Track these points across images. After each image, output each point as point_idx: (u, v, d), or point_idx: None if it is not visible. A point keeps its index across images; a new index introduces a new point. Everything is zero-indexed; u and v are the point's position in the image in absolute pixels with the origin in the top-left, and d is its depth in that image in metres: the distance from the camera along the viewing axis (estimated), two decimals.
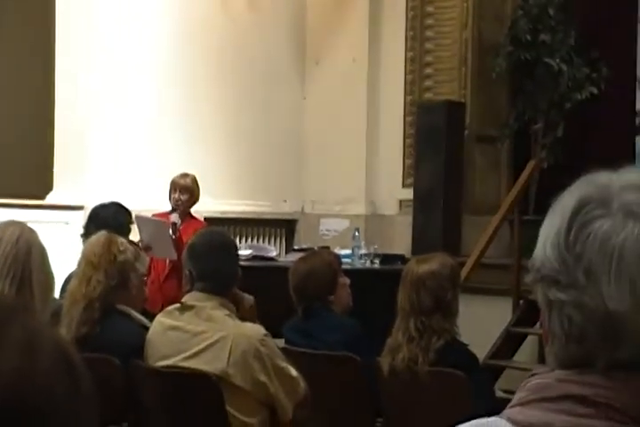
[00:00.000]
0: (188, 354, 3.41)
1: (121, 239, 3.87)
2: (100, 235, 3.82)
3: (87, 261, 3.67)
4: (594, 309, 1.13)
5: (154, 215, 6.23)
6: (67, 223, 6.65)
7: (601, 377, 1.13)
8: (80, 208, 6.59)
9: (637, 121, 7.23)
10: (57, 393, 0.96)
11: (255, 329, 3.37)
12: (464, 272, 5.92)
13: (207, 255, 3.47)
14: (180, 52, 7.61)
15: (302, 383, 3.44)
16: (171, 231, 5.98)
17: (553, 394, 1.15)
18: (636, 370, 1.14)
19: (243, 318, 3.46)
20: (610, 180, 1.17)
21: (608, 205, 1.14)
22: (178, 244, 5.87)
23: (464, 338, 3.93)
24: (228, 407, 3.31)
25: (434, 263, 3.73)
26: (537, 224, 1.20)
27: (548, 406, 1.15)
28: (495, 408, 1.21)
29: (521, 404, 1.17)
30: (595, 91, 7.27)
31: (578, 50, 7.36)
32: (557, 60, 7.31)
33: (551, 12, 7.37)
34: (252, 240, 7.58)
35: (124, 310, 3.73)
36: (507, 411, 1.18)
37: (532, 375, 1.20)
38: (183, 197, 6.18)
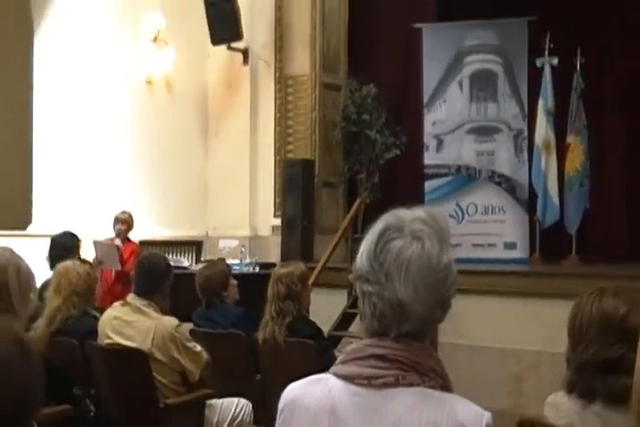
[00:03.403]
0: (124, 336, 3.37)
1: (92, 270, 3.79)
2: (80, 267, 3.65)
3: (71, 289, 3.53)
4: (390, 298, 1.15)
5: (106, 239, 6.18)
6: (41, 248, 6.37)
7: (393, 343, 1.16)
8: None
9: (425, 172, 7.48)
10: (13, 367, 0.93)
11: (171, 321, 3.37)
12: (315, 273, 5.96)
13: (140, 272, 3.49)
14: (128, 127, 7.40)
15: (205, 355, 3.45)
16: (116, 250, 5.96)
17: (363, 354, 1.17)
18: (415, 339, 1.17)
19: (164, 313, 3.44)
20: (405, 213, 1.20)
21: (402, 230, 1.17)
22: (121, 258, 5.87)
23: (316, 318, 3.96)
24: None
25: (290, 267, 3.77)
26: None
27: (359, 362, 1.17)
28: None
29: (342, 362, 1.19)
30: (398, 152, 7.45)
31: (386, 125, 7.51)
32: (374, 132, 7.44)
33: (369, 100, 7.51)
34: (171, 255, 7.45)
35: (83, 307, 3.66)
36: (332, 368, 1.20)
37: (350, 343, 1.22)
38: (122, 227, 6.22)
